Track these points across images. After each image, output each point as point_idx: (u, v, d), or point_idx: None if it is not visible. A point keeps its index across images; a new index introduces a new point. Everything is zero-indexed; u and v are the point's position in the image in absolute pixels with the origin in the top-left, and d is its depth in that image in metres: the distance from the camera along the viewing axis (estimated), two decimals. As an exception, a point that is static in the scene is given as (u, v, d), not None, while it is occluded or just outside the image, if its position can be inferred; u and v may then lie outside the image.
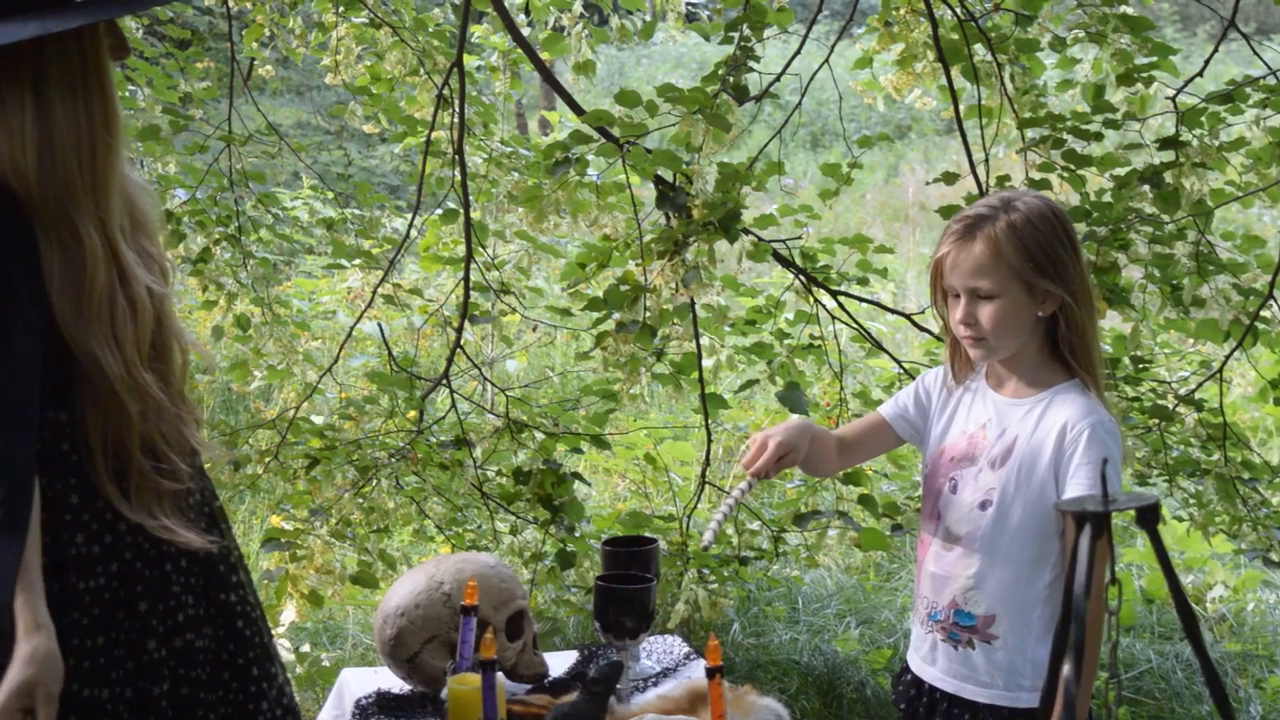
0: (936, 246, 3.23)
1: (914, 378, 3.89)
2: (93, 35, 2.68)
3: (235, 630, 2.90)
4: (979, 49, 5.54)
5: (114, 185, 2.71)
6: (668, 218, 5.17)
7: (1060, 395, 3.16)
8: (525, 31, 6.24)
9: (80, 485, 2.67)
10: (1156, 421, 5.52)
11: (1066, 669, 1.97)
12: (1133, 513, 2.05)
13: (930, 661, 3.29)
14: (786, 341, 5.77)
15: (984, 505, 3.17)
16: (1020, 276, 3.08)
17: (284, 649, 5.80)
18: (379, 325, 6.80)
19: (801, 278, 5.60)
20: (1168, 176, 5.05)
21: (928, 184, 5.94)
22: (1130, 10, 5.41)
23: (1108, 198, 5.16)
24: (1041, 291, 3.10)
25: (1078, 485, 3.04)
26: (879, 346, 5.98)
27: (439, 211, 6.44)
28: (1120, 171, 5.21)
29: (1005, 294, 3.09)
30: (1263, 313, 5.15)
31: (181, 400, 2.88)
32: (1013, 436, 3.17)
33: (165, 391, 2.80)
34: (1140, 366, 5.54)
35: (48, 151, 2.62)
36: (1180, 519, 6.03)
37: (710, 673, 2.84)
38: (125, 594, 2.72)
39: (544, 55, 6.24)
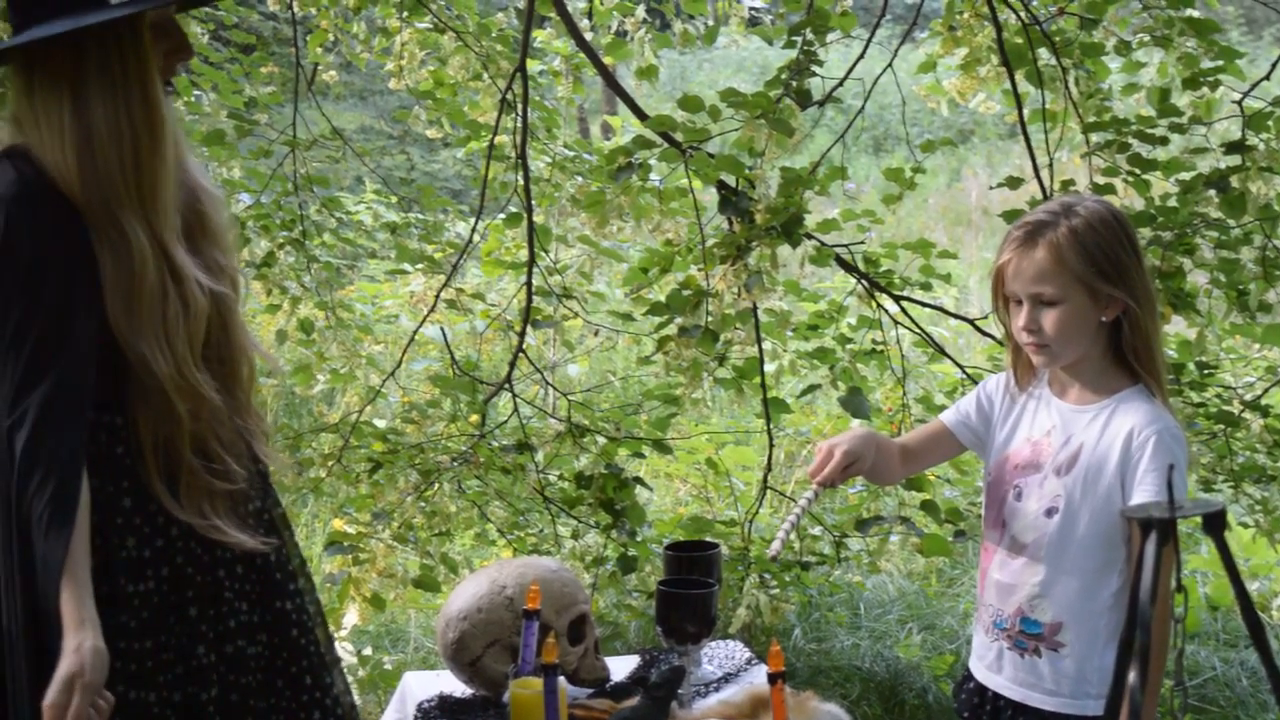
0: (998, 253, 3.21)
1: (977, 383, 3.87)
2: (134, 36, 2.68)
3: (289, 638, 2.90)
4: (1043, 53, 5.52)
5: (161, 185, 2.71)
6: (730, 222, 5.17)
7: (1125, 401, 3.14)
8: (588, 36, 6.25)
9: (133, 489, 2.69)
10: (1222, 427, 5.48)
11: (1132, 676, 1.95)
12: (1198, 519, 2.03)
13: (996, 669, 3.27)
14: (849, 346, 5.76)
15: (1050, 512, 3.15)
16: (1083, 282, 3.06)
17: (346, 652, 5.83)
18: (441, 329, 6.83)
19: (864, 282, 5.58)
20: (1234, 181, 5.01)
21: (991, 188, 5.91)
22: (1196, 13, 5.38)
23: (1173, 202, 5.12)
24: (1105, 296, 3.08)
25: (1144, 492, 3.02)
26: (941, 351, 5.95)
27: (502, 216, 6.46)
28: (1186, 176, 5.18)
29: (1068, 299, 3.08)
30: (1331, 318, 5.12)
31: (247, 411, 2.89)
32: (1078, 443, 3.15)
33: (226, 397, 2.81)
34: (1206, 372, 5.50)
35: (87, 152, 2.64)
36: (1246, 525, 5.99)
37: (772, 678, 2.83)
38: (176, 598, 2.73)
39: (607, 60, 6.25)
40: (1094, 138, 5.29)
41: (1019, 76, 5.54)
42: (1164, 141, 5.19)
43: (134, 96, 2.68)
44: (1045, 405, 3.26)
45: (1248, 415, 5.52)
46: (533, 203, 5.98)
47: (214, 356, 2.81)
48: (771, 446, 6.03)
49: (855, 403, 5.39)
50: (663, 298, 5.21)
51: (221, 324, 2.83)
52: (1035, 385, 3.31)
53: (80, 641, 2.45)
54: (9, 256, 2.58)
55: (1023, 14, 5.47)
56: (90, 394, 2.59)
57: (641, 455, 6.17)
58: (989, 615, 3.28)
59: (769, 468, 6.08)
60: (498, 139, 6.22)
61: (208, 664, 2.75)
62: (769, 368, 5.78)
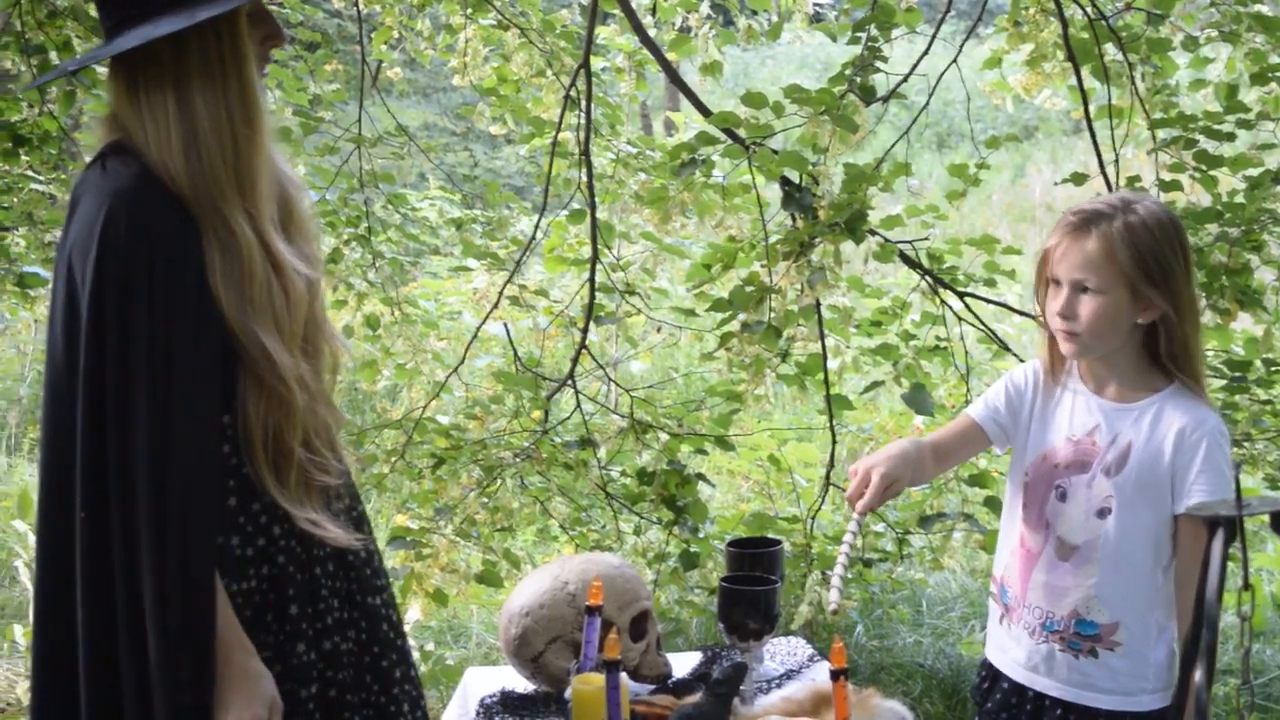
0: (1048, 235, 3.20)
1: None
2: (231, 27, 2.67)
3: (379, 633, 2.89)
4: (1110, 48, 5.49)
5: (260, 177, 2.70)
6: (793, 218, 5.16)
7: (1170, 399, 3.13)
8: (652, 32, 6.25)
9: (239, 488, 2.67)
10: (1290, 425, 5.45)
11: (1198, 675, 1.94)
12: (1265, 518, 2.02)
13: (1045, 671, 3.25)
14: (912, 343, 5.74)
15: (1102, 513, 3.14)
16: (1127, 279, 3.05)
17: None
18: (505, 326, 6.84)
19: (927, 279, 5.57)
20: (1302, 177, 4.98)
21: (1055, 185, 5.88)
22: (1264, 9, 5.34)
23: (1240, 199, 5.09)
24: (1144, 298, 3.07)
25: (1200, 492, 3.02)
26: (1005, 348, 5.92)
27: (565, 212, 6.46)
28: (1253, 172, 5.14)
29: (1109, 293, 3.06)
30: (1399, 315, 5.07)
31: (329, 402, 2.89)
32: (1126, 442, 3.13)
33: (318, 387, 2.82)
34: (1273, 369, 5.46)
35: (193, 148, 2.61)
36: (1314, 524, 5.94)
37: (834, 675, 2.83)
38: (277, 597, 2.71)
39: (670, 56, 6.25)
40: (1160, 134, 5.26)
41: (1085, 72, 5.51)
42: (1231, 138, 5.16)
43: (233, 88, 2.65)
44: (1084, 402, 3.24)
45: (1316, 413, 5.48)
46: (596, 199, 5.99)
47: (304, 348, 2.82)
48: (834, 443, 6.02)
49: (918, 400, 5.38)
50: (725, 294, 5.21)
51: (312, 312, 2.83)
52: (1068, 379, 3.29)
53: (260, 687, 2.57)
54: (133, 256, 2.54)
55: (1089, 9, 5.44)
56: (219, 440, 2.60)
57: (704, 452, 6.16)
58: (1035, 617, 3.26)
59: (831, 464, 6.07)
60: (561, 135, 6.23)
61: (307, 662, 2.73)
62: (832, 364, 5.76)
